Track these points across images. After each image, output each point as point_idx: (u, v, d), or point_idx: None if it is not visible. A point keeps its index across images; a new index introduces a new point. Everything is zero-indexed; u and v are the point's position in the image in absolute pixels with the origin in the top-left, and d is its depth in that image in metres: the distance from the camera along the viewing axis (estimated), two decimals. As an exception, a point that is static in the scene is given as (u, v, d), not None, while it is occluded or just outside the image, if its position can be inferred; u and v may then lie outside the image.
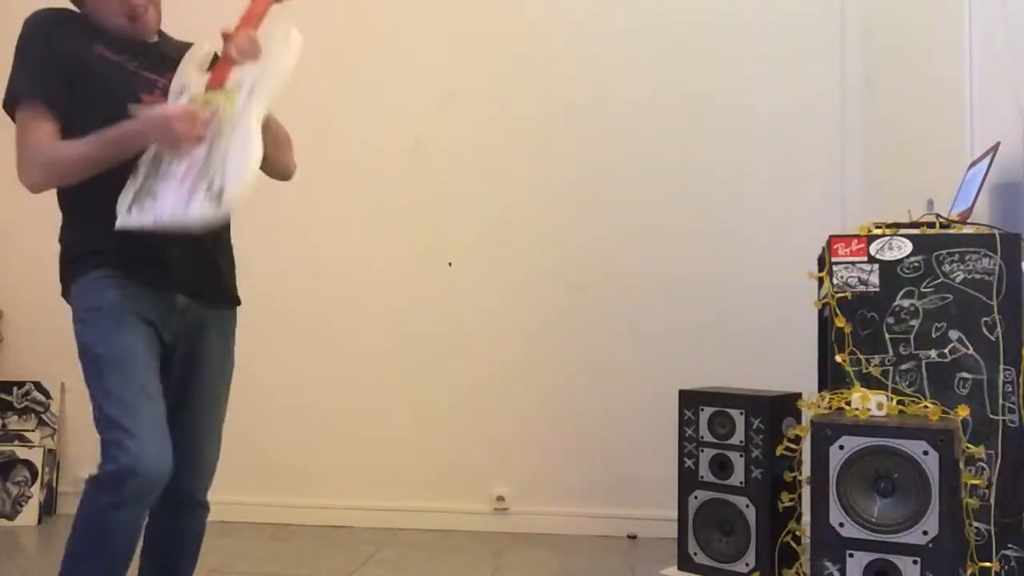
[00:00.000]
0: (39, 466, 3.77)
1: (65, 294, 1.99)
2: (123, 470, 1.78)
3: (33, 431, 3.86)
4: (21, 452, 3.80)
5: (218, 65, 1.99)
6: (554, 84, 3.67)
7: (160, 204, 1.85)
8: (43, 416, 3.88)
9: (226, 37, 1.96)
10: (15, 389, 3.90)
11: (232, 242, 2.17)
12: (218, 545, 3.40)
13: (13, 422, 3.88)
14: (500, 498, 3.65)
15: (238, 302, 2.16)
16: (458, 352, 3.70)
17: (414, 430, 3.71)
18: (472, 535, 3.57)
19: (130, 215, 1.89)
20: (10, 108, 1.95)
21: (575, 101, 3.66)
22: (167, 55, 2.06)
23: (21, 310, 3.98)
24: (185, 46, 2.11)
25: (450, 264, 3.72)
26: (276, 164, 2.08)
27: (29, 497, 3.74)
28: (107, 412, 1.83)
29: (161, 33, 2.13)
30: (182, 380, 2.04)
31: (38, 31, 1.96)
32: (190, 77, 2.01)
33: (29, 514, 3.72)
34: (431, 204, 3.73)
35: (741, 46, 3.57)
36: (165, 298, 1.96)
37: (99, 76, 1.95)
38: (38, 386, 3.91)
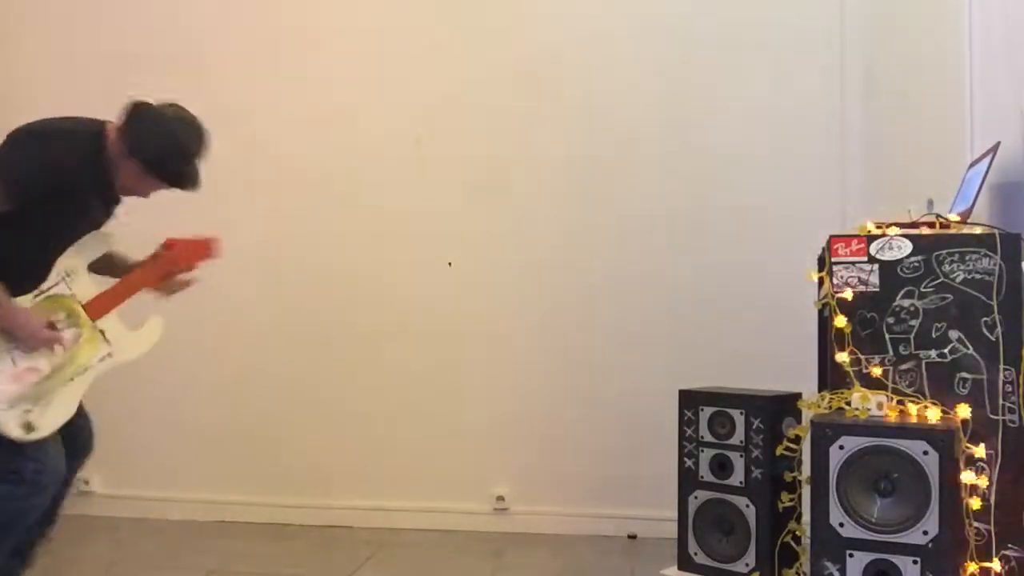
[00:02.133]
0: (39, 466, 3.77)
1: None
2: None
3: (33, 431, 3.85)
4: (21, 452, 3.79)
5: (105, 295, 2.40)
6: (556, 86, 3.67)
7: None
8: (43, 416, 3.87)
9: (128, 280, 2.43)
10: (15, 389, 3.89)
11: None
12: (218, 545, 3.39)
13: (13, 422, 3.87)
14: (500, 498, 3.65)
15: None
16: (458, 352, 3.70)
17: (414, 430, 3.71)
18: (472, 535, 3.57)
19: None
20: None
21: (576, 103, 3.66)
22: (109, 203, 2.45)
23: (21, 310, 3.97)
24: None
25: (450, 264, 3.72)
26: None
27: (29, 497, 3.73)
28: None
29: None
30: None
31: (67, 155, 2.24)
32: (76, 266, 2.38)
33: (29, 514, 3.71)
34: (431, 204, 3.73)
35: (741, 46, 3.57)
36: None
37: (69, 213, 2.33)
38: (38, 386, 3.90)
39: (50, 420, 2.25)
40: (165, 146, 2.28)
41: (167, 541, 3.46)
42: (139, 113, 2.28)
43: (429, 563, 3.24)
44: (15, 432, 2.19)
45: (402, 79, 3.77)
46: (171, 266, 2.47)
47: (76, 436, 2.42)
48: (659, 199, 3.59)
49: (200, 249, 2.49)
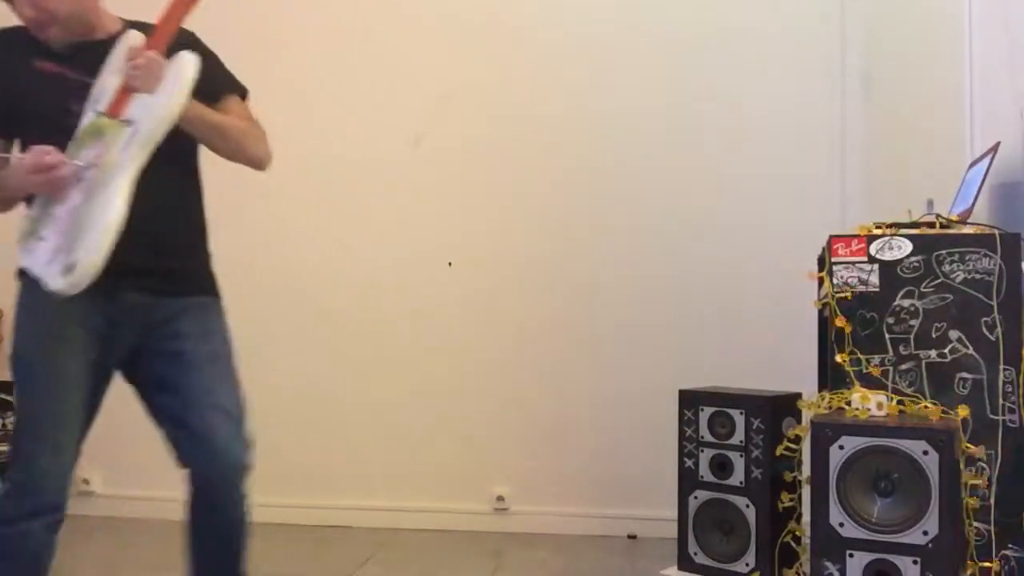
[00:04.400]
0: (39, 466, 3.77)
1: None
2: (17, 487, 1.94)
3: (33, 431, 3.86)
4: (21, 452, 3.80)
5: (119, 89, 1.92)
6: (554, 84, 3.67)
7: (37, 254, 1.89)
8: (43, 416, 3.87)
9: (132, 55, 1.89)
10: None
11: (206, 231, 2.22)
12: (218, 545, 3.39)
13: (13, 422, 3.88)
14: (500, 498, 3.65)
15: (209, 291, 2.17)
16: (458, 352, 3.70)
17: (414, 430, 3.71)
18: (472, 535, 3.57)
19: (21, 251, 1.93)
20: None
21: (575, 101, 3.66)
22: (110, 53, 1.99)
23: (21, 310, 3.97)
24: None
25: (450, 264, 3.72)
26: (231, 156, 2.13)
27: (29, 497, 3.73)
28: (16, 428, 2.01)
29: (124, 25, 2.05)
30: (162, 373, 2.06)
31: None
32: (108, 81, 1.96)
33: (29, 514, 3.71)
34: (431, 203, 3.73)
35: (741, 46, 3.57)
36: (111, 299, 1.95)
37: (34, 93, 1.98)
38: (38, 386, 3.90)
39: (89, 243, 1.79)
40: None
41: (167, 541, 3.45)
42: None
43: (429, 563, 3.24)
44: (57, 283, 1.82)
45: (402, 78, 3.77)
46: None
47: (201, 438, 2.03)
48: (659, 199, 3.59)
49: None
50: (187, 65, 1.89)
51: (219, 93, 2.11)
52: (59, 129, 1.93)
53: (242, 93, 2.22)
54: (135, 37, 1.96)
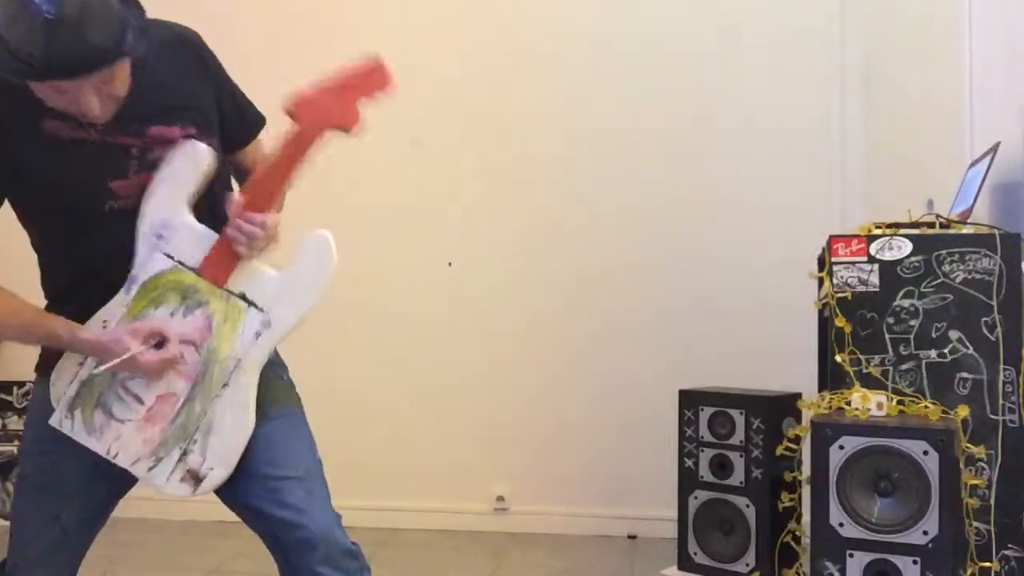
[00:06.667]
0: (39, 466, 3.78)
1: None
2: None
3: (33, 431, 3.86)
4: (21, 452, 3.81)
5: (218, 247, 1.58)
6: (553, 83, 3.67)
7: (119, 443, 1.58)
8: (43, 416, 3.88)
9: (251, 196, 1.58)
10: (15, 389, 3.89)
11: None
12: (218, 545, 3.40)
13: (13, 422, 3.88)
14: (500, 498, 3.65)
15: None
16: (458, 352, 3.70)
17: (414, 430, 3.71)
18: (472, 535, 3.57)
19: (71, 419, 1.58)
20: None
21: (574, 100, 3.65)
22: (150, 101, 1.55)
23: (21, 310, 3.97)
24: (174, 71, 1.59)
25: (450, 264, 3.72)
26: None
27: (29, 497, 3.74)
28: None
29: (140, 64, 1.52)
30: None
31: None
32: (170, 218, 1.57)
33: (29, 514, 3.71)
34: (431, 204, 3.73)
35: (741, 45, 3.57)
36: None
37: (48, 166, 1.52)
38: (38, 386, 3.91)
39: (222, 453, 1.58)
40: None
41: (167, 541, 3.46)
42: None
43: (429, 563, 3.24)
44: (182, 490, 1.59)
45: (400, 77, 3.76)
46: (314, 134, 1.71)
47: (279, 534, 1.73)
48: (659, 199, 3.58)
49: (361, 84, 1.72)
50: (324, 248, 1.71)
51: (251, 136, 1.84)
52: (92, 218, 1.56)
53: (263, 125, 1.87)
54: (235, 196, 1.61)
